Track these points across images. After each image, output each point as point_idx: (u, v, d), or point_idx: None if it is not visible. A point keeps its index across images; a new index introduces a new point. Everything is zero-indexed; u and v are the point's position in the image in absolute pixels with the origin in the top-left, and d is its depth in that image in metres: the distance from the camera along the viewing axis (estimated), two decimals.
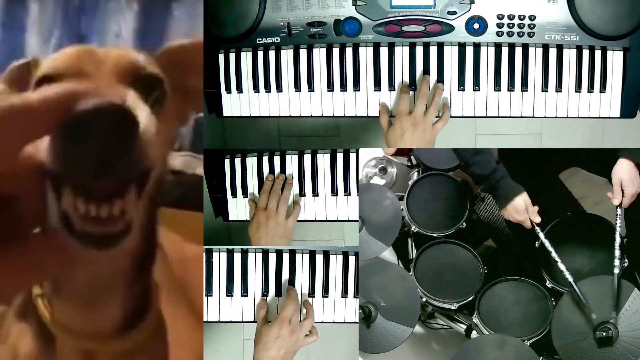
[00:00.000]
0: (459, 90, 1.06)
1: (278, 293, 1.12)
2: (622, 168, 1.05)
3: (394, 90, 1.07)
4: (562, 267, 1.06)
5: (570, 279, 1.04)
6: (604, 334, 0.99)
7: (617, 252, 1.04)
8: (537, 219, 1.10)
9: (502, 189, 1.11)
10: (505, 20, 1.03)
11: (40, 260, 0.36)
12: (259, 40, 1.07)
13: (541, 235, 1.10)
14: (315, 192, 1.14)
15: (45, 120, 0.32)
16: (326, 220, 1.16)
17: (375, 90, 1.07)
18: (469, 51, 1.05)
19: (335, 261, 1.13)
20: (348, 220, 1.16)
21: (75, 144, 0.32)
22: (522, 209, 1.10)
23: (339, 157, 1.15)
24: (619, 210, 1.06)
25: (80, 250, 0.36)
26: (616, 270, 1.03)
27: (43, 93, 0.32)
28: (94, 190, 0.35)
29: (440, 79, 1.06)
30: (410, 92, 1.06)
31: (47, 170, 0.34)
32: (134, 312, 0.48)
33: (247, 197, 1.16)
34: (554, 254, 1.07)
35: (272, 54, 1.08)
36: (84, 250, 0.36)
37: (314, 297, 1.12)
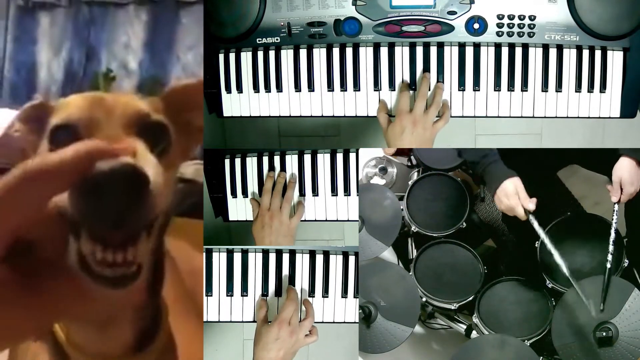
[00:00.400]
0: (459, 90, 1.06)
1: (278, 293, 1.12)
2: (623, 166, 1.05)
3: (394, 90, 1.07)
4: (560, 261, 1.03)
5: (567, 273, 1.02)
6: (604, 334, 0.99)
7: (611, 248, 1.04)
8: (531, 206, 1.03)
9: (492, 173, 1.06)
10: (505, 20, 1.03)
11: (59, 301, 0.39)
12: (259, 40, 1.07)
13: (535, 225, 1.04)
14: (315, 192, 1.14)
15: (65, 180, 0.36)
16: (326, 220, 1.16)
17: (375, 90, 1.07)
18: (469, 51, 1.05)
19: (335, 261, 1.13)
20: (348, 220, 1.16)
21: (93, 201, 0.36)
22: (511, 192, 1.03)
23: (339, 157, 1.15)
24: (616, 207, 1.06)
25: (95, 288, 0.40)
26: (608, 265, 1.03)
27: (61, 155, 0.36)
28: (109, 240, 0.39)
29: (440, 79, 1.06)
30: (411, 92, 1.05)
31: (68, 216, 0.38)
32: (145, 333, 0.50)
33: (247, 197, 1.16)
34: (550, 247, 1.05)
35: (272, 54, 1.08)
36: (99, 289, 0.40)
37: (314, 297, 1.12)
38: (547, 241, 1.06)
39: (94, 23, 1.71)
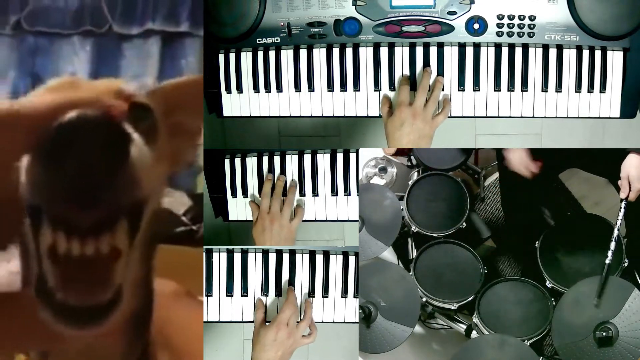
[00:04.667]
0: (459, 90, 1.06)
1: (278, 293, 1.12)
2: (631, 163, 1.05)
3: (394, 90, 1.07)
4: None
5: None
6: (604, 334, 0.99)
7: (613, 244, 1.05)
8: (534, 168, 1.12)
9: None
10: (505, 21, 1.03)
11: (18, 328, 0.31)
12: (259, 41, 1.07)
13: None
14: (315, 192, 1.14)
15: (29, 132, 0.28)
16: (326, 220, 1.16)
17: (375, 90, 1.07)
18: (469, 51, 1.05)
19: (335, 261, 1.13)
20: (348, 220, 1.16)
21: (55, 164, 0.27)
22: (517, 156, 1.14)
23: (339, 157, 1.15)
24: (622, 204, 1.06)
25: (58, 327, 0.31)
26: (607, 261, 1.04)
27: (30, 103, 0.28)
28: (76, 223, 0.30)
29: None
30: (411, 92, 1.05)
31: (26, 203, 0.29)
32: None
33: (247, 197, 1.16)
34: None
35: (272, 54, 1.08)
36: (62, 328, 0.30)
37: (314, 297, 1.12)
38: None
39: (38, 53, 1.74)
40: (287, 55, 1.07)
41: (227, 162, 1.16)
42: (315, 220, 1.15)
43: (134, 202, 0.31)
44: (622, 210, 1.06)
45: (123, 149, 0.29)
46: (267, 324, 1.06)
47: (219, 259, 1.14)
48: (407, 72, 1.06)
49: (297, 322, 1.08)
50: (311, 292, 1.12)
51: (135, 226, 0.33)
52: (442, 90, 1.05)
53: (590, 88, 1.04)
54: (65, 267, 0.30)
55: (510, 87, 1.05)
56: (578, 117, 1.06)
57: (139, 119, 0.37)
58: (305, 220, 1.15)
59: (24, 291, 0.32)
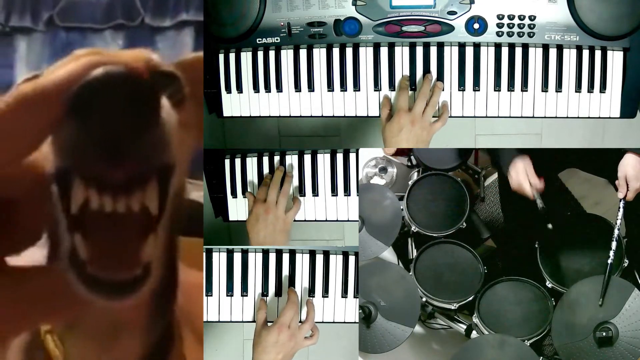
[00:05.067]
0: (459, 90, 1.06)
1: (278, 293, 1.12)
2: (628, 162, 1.06)
3: (394, 90, 1.07)
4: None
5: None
6: (604, 334, 0.99)
7: (614, 244, 1.05)
8: (538, 183, 1.09)
9: (506, 153, 1.13)
10: (505, 21, 1.03)
11: (45, 299, 0.32)
12: (259, 40, 1.07)
13: (538, 202, 1.09)
14: (315, 192, 1.14)
15: (56, 98, 0.27)
16: (326, 220, 1.16)
17: (375, 90, 1.07)
18: (469, 51, 1.05)
19: (335, 261, 1.13)
20: (348, 220, 1.16)
21: (82, 121, 0.27)
22: (520, 169, 1.10)
23: (339, 157, 1.15)
24: (621, 204, 1.06)
25: (90, 297, 0.31)
26: (609, 261, 1.03)
27: (54, 74, 0.28)
28: (108, 180, 0.29)
29: (440, 79, 1.06)
30: (410, 92, 1.05)
31: (53, 171, 0.30)
32: (156, 351, 0.43)
33: (247, 197, 1.16)
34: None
35: (272, 54, 1.08)
36: (94, 299, 0.31)
37: (314, 297, 1.12)
38: (540, 202, 1.08)
39: (72, 48, 1.75)
40: (287, 55, 1.07)
41: (227, 162, 1.16)
42: (315, 220, 1.15)
43: (162, 164, 0.31)
44: (621, 210, 1.06)
45: (151, 108, 0.29)
46: (268, 324, 1.06)
47: (219, 259, 1.14)
48: (407, 71, 1.06)
49: (300, 322, 1.08)
50: (311, 292, 1.12)
51: (165, 191, 0.33)
52: (442, 89, 1.05)
53: (590, 88, 1.04)
54: (97, 236, 0.30)
55: (510, 87, 1.05)
56: (578, 117, 1.06)
57: (166, 84, 0.36)
58: (305, 220, 1.15)
59: (53, 264, 0.33)
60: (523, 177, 1.09)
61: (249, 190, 1.15)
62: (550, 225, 1.09)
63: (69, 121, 0.28)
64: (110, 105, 0.27)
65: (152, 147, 0.29)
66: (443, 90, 1.05)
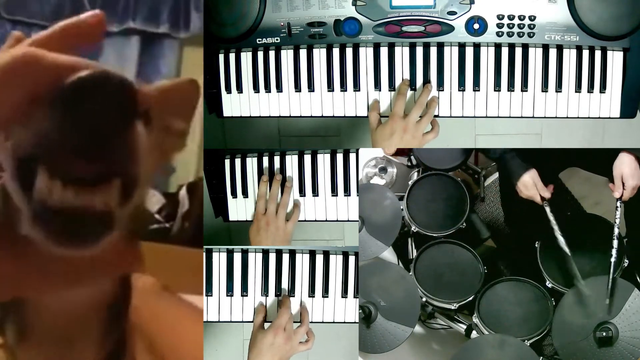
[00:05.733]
0: (459, 90, 1.06)
1: (278, 293, 1.12)
2: (623, 162, 1.06)
3: (394, 90, 1.07)
4: (560, 237, 1.10)
5: (574, 267, 1.07)
6: (604, 334, 0.99)
7: (615, 242, 1.05)
8: (546, 194, 1.11)
9: (512, 168, 1.14)
10: (505, 21, 1.03)
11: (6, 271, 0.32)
12: (259, 41, 1.07)
13: (547, 210, 1.11)
14: (315, 192, 1.14)
15: (50, 83, 0.29)
16: (326, 220, 1.16)
17: (375, 91, 1.07)
18: (469, 51, 1.05)
19: (335, 261, 1.13)
20: (348, 220, 1.16)
21: (68, 113, 0.29)
22: (530, 184, 1.12)
23: (339, 157, 1.15)
24: (618, 204, 1.07)
25: (54, 249, 0.32)
26: (612, 259, 1.04)
27: (55, 56, 0.29)
28: (75, 172, 0.31)
29: (440, 79, 1.06)
30: (410, 92, 1.06)
31: (18, 155, 0.30)
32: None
33: (247, 197, 1.16)
34: (558, 236, 1.09)
35: (272, 54, 1.08)
36: (58, 249, 0.32)
37: (314, 297, 1.12)
38: (551, 217, 1.10)
39: None
40: (287, 55, 1.07)
41: (227, 162, 1.16)
42: (315, 220, 1.15)
43: (128, 172, 0.32)
44: (619, 209, 1.06)
45: (131, 116, 0.30)
46: (267, 322, 1.06)
47: (219, 259, 1.14)
48: (407, 72, 1.06)
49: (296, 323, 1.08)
50: (311, 292, 1.12)
51: (127, 197, 0.34)
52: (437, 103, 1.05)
53: (590, 88, 1.04)
54: (56, 225, 0.31)
55: (510, 87, 1.05)
56: (578, 117, 1.06)
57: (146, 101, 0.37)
58: (305, 220, 1.15)
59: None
60: (534, 192, 1.12)
61: (249, 192, 1.15)
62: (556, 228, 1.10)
63: (52, 111, 0.29)
64: (96, 103, 0.29)
65: (122, 154, 0.31)
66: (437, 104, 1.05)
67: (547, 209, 1.11)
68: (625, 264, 1.09)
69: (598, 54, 1.04)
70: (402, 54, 1.06)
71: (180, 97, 0.43)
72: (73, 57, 0.30)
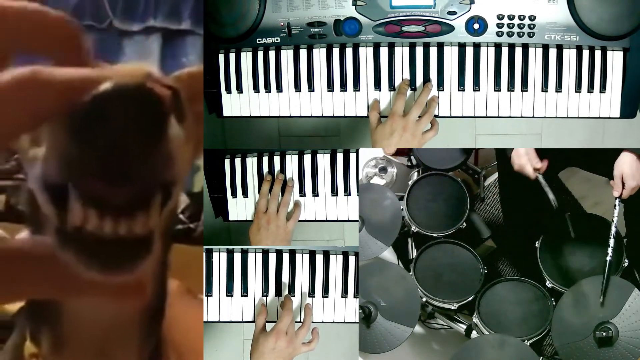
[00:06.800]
0: (459, 90, 1.06)
1: (278, 293, 1.12)
2: (625, 161, 1.06)
3: (394, 90, 1.07)
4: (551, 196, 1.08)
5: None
6: (604, 334, 0.99)
7: (612, 241, 1.05)
8: (538, 164, 1.10)
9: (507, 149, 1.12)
10: (505, 21, 1.03)
11: (27, 272, 0.29)
12: (259, 41, 1.07)
13: (542, 182, 1.09)
14: (315, 192, 1.14)
15: (62, 101, 0.26)
16: (326, 220, 1.16)
17: (375, 91, 1.07)
18: (469, 51, 1.05)
19: (335, 261, 1.13)
20: (348, 220, 1.16)
21: (88, 136, 0.26)
22: (522, 152, 1.11)
23: (339, 157, 1.15)
24: (617, 202, 1.07)
25: (83, 272, 0.29)
26: (608, 258, 1.04)
27: (67, 71, 0.27)
28: (110, 199, 0.27)
29: (440, 79, 1.06)
30: (410, 92, 1.06)
31: (49, 183, 0.28)
32: None
33: (247, 197, 1.16)
34: (550, 195, 1.08)
35: (272, 54, 1.08)
36: (88, 273, 0.29)
37: (314, 297, 1.12)
38: (544, 182, 1.09)
39: None
40: (287, 55, 1.07)
41: (227, 162, 1.16)
42: (315, 220, 1.15)
43: (166, 182, 0.30)
44: (617, 208, 1.06)
45: (161, 123, 0.27)
46: (269, 324, 1.06)
47: (219, 259, 1.14)
48: (407, 72, 1.06)
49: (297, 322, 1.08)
50: (311, 292, 1.12)
51: (164, 207, 0.31)
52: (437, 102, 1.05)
53: (590, 88, 1.04)
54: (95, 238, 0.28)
55: (510, 87, 1.05)
56: (578, 117, 1.06)
57: (171, 99, 0.33)
58: (305, 220, 1.15)
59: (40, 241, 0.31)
60: (525, 160, 1.10)
61: (250, 192, 1.15)
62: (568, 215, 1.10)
63: (75, 134, 0.26)
64: (118, 121, 0.26)
65: (158, 165, 0.28)
66: (437, 104, 1.05)
67: (542, 181, 1.09)
68: (625, 264, 1.09)
69: (598, 54, 1.04)
70: (402, 54, 1.06)
71: (195, 85, 0.41)
72: (83, 69, 0.28)
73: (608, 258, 1.04)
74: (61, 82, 0.27)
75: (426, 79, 1.06)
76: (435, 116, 1.05)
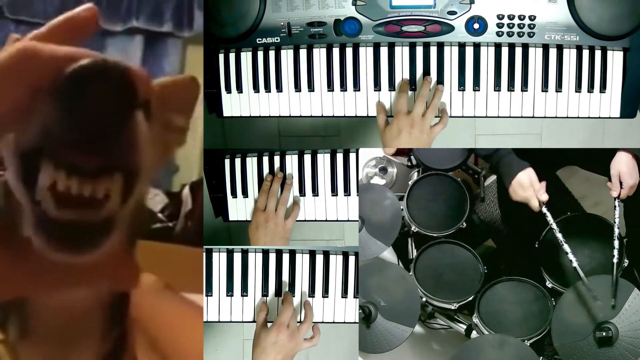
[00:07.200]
0: (459, 90, 1.06)
1: (278, 293, 1.12)
2: (621, 160, 1.05)
3: (394, 90, 1.07)
4: (567, 249, 1.04)
5: (576, 264, 1.03)
6: (604, 334, 0.99)
7: (616, 243, 1.04)
8: (544, 197, 1.06)
9: (506, 165, 1.08)
10: (505, 20, 1.03)
11: (6, 273, 0.33)
12: (259, 40, 1.07)
13: (549, 217, 1.06)
14: (315, 192, 1.14)
15: (50, 75, 0.29)
16: (326, 220, 1.16)
17: (375, 90, 1.07)
18: (469, 51, 1.05)
19: (335, 261, 1.13)
20: (348, 220, 1.16)
21: (69, 104, 0.29)
22: (526, 184, 1.06)
23: (339, 157, 1.15)
24: (616, 203, 1.06)
25: (54, 255, 0.32)
26: (615, 260, 1.03)
27: (53, 48, 0.29)
28: (78, 165, 0.31)
29: (440, 79, 1.06)
30: (410, 92, 1.06)
31: (21, 149, 0.31)
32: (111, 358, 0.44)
33: (247, 197, 1.16)
34: (561, 239, 1.05)
35: (272, 54, 1.08)
36: (58, 255, 0.32)
37: (314, 297, 1.12)
38: (558, 233, 1.05)
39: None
40: (287, 55, 1.07)
41: (227, 162, 1.16)
42: (315, 220, 1.15)
43: (130, 165, 0.33)
44: (617, 208, 1.06)
45: (133, 107, 0.30)
46: (268, 324, 1.06)
47: (219, 259, 1.14)
48: (407, 71, 1.06)
49: (299, 323, 1.08)
50: (311, 292, 1.12)
51: (128, 191, 0.34)
52: (443, 91, 1.05)
53: (590, 88, 1.04)
54: (62, 203, 0.32)
55: (510, 87, 1.05)
56: (578, 117, 1.06)
57: (143, 92, 0.37)
58: (305, 220, 1.15)
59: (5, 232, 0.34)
60: (530, 193, 1.06)
61: (250, 192, 1.16)
62: (557, 233, 1.06)
63: (57, 101, 0.29)
64: (96, 93, 0.28)
65: (123, 145, 0.31)
66: (443, 93, 1.05)
67: (548, 215, 1.06)
68: (626, 264, 1.09)
69: (598, 53, 1.04)
70: (402, 53, 1.06)
71: (181, 94, 0.44)
72: (71, 47, 0.30)
73: (615, 260, 1.03)
74: (50, 56, 0.29)
75: None
76: (438, 116, 1.05)
